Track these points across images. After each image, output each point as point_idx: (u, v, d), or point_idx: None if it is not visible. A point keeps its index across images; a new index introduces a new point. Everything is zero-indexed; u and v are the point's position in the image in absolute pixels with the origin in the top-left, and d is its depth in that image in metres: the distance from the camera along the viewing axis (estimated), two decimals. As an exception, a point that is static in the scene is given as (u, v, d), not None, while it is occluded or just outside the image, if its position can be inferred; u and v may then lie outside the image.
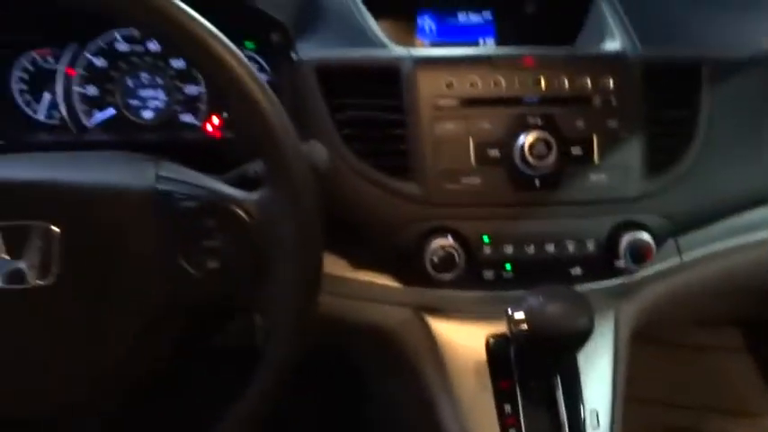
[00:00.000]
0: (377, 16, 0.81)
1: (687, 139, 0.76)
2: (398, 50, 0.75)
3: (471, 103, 0.72)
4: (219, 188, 0.54)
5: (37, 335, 0.52)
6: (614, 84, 0.74)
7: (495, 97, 0.72)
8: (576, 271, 0.73)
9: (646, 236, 0.71)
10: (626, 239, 0.71)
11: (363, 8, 0.80)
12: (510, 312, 0.64)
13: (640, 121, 0.74)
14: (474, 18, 0.94)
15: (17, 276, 0.51)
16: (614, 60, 0.76)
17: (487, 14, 0.93)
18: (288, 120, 0.52)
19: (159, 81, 0.84)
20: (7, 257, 0.50)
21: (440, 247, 0.68)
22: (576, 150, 0.72)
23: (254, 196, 0.54)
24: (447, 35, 0.93)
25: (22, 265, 0.50)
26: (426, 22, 0.93)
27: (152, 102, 0.85)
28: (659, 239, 0.74)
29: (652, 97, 0.75)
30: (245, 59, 0.51)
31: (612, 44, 0.80)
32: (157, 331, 0.54)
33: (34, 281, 0.51)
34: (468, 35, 0.93)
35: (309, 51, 0.74)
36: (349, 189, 0.71)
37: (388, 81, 0.72)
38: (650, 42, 0.79)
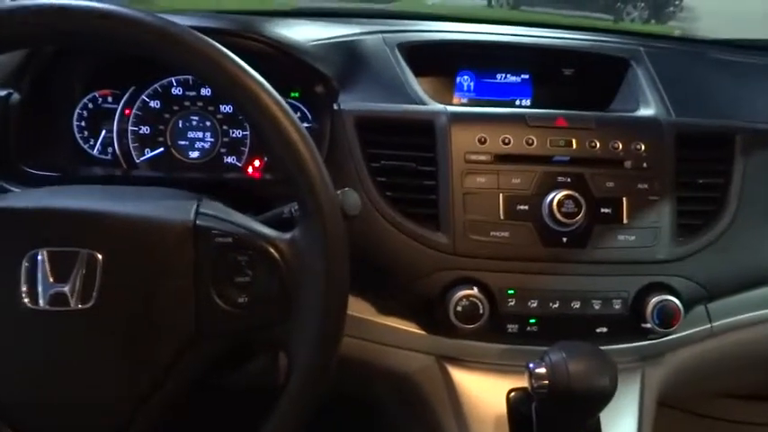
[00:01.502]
0: (418, 73, 0.85)
1: (719, 206, 0.77)
2: (434, 106, 0.78)
3: (503, 158, 0.74)
4: (254, 226, 0.57)
5: (73, 357, 0.54)
6: (646, 148, 0.75)
7: (527, 155, 0.74)
8: (602, 330, 0.73)
9: (674, 299, 0.71)
10: (653, 302, 0.71)
11: (405, 65, 0.84)
12: (531, 367, 0.64)
13: (672, 186, 0.75)
14: (511, 78, 0.97)
15: (60, 299, 0.54)
16: (647, 125, 0.78)
17: (525, 76, 0.96)
18: (324, 168, 0.55)
19: (208, 124, 0.89)
20: (52, 280, 0.54)
21: (464, 297, 0.69)
22: (605, 210, 0.73)
23: (286, 236, 0.56)
24: (484, 93, 0.96)
25: (65, 288, 0.54)
26: (465, 80, 0.96)
27: (199, 143, 0.89)
28: (688, 304, 0.73)
29: (685, 163, 0.76)
30: (290, 109, 0.55)
31: (646, 110, 0.81)
32: (184, 362, 0.56)
33: (76, 305, 0.54)
34: (504, 94, 0.96)
35: (350, 103, 0.78)
36: (379, 235, 0.73)
37: (422, 134, 0.75)
38: (684, 111, 0.81)
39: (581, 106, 0.82)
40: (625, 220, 0.73)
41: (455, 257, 0.72)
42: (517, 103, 0.95)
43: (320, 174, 0.54)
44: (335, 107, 0.78)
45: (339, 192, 0.59)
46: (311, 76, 0.81)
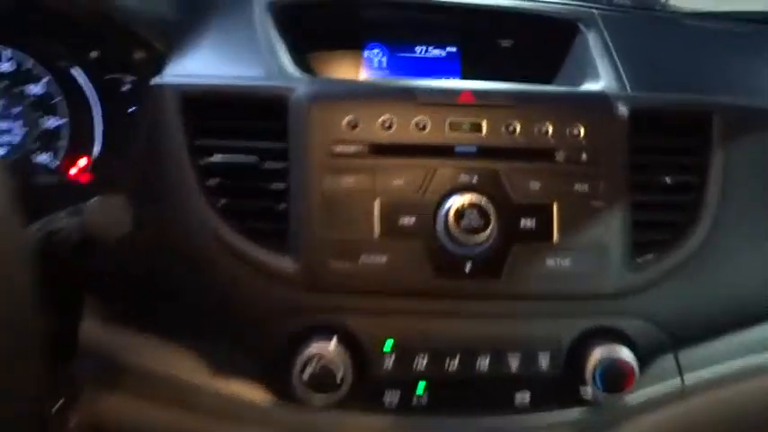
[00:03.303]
0: (314, 47, 0.65)
1: (691, 214, 0.56)
2: (288, 78, 0.55)
3: (382, 150, 0.52)
4: None
5: None
6: (588, 133, 0.53)
7: (416, 144, 0.52)
8: (523, 397, 0.51)
9: (625, 352, 0.50)
10: (597, 355, 0.50)
11: (272, 28, 0.62)
12: None
13: (624, 187, 0.54)
14: (435, 52, 0.75)
15: None
16: (590, 102, 0.56)
17: (452, 48, 0.75)
18: None
19: (15, 111, 0.66)
20: None
21: (315, 357, 0.47)
22: (527, 223, 0.51)
23: None
24: (400, 70, 0.74)
25: None
26: (375, 55, 0.74)
27: (4, 136, 0.67)
28: (646, 357, 0.52)
29: (643, 155, 0.56)
30: None
31: (594, 84, 0.60)
32: None
33: None
34: (425, 72, 0.74)
35: (176, 75, 0.56)
36: (205, 260, 0.51)
37: (270, 117, 0.53)
38: (645, 85, 0.59)
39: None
40: (556, 238, 0.51)
41: (309, 294, 0.51)
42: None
43: None
44: (154, 81, 0.55)
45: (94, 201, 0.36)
46: (127, 38, 0.58)
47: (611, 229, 0.52)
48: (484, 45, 0.73)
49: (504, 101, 0.54)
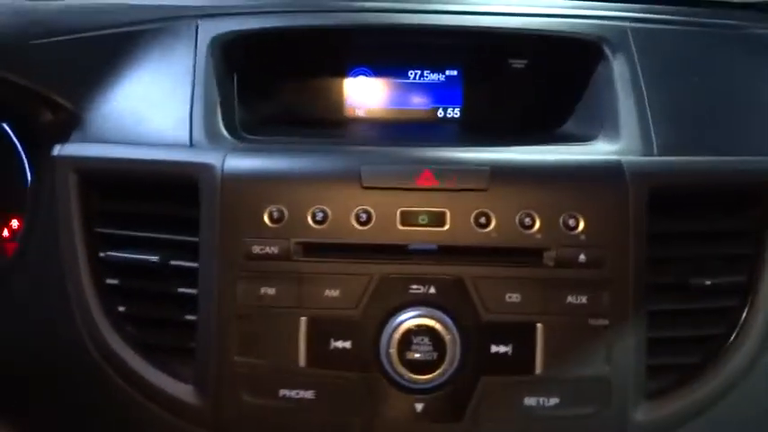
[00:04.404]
0: (296, 74, 0.56)
1: (734, 325, 0.42)
2: (205, 151, 0.44)
3: (312, 249, 0.40)
4: None
5: None
6: (588, 224, 0.40)
7: (356, 243, 0.40)
8: None
9: None
10: None
11: (212, 73, 0.49)
12: None
13: (638, 296, 0.41)
14: (431, 76, 0.63)
15: None
16: (595, 179, 0.42)
17: (452, 72, 0.62)
18: None
19: None
20: None
21: None
22: (500, 349, 0.39)
23: None
24: (390, 100, 0.62)
25: None
26: (360, 83, 0.62)
27: None
28: None
29: (667, 246, 0.42)
30: None
31: (608, 142, 0.46)
32: None
33: None
34: (419, 100, 0.62)
35: (77, 145, 0.45)
36: (87, 378, 0.42)
37: (182, 201, 0.43)
38: (679, 140, 0.46)
39: (534, 120, 0.55)
40: (539, 369, 0.39)
41: None
42: (440, 113, 0.62)
43: None
44: (55, 151, 0.45)
45: None
46: (28, 96, 0.48)
47: (616, 355, 0.39)
48: (492, 66, 0.60)
49: (476, 180, 0.41)
